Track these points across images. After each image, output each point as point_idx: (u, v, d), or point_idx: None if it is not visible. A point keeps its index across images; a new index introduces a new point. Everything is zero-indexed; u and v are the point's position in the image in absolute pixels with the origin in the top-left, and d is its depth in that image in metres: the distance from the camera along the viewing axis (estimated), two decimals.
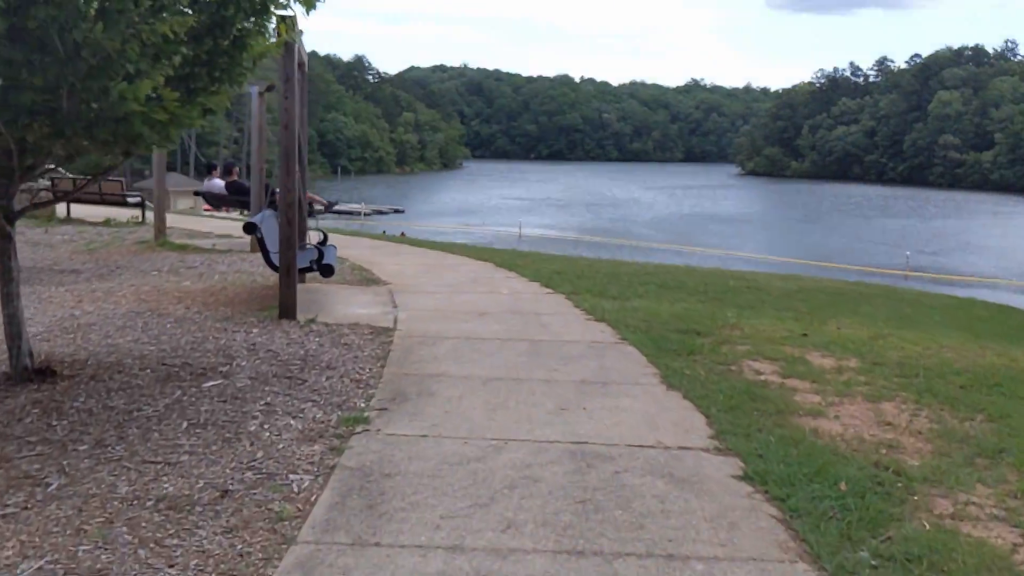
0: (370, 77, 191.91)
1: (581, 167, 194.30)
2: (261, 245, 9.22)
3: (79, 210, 21.24)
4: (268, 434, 5.09)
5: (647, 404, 6.07)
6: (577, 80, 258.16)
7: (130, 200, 20.75)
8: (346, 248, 15.32)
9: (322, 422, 5.36)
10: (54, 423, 5.14)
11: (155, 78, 4.83)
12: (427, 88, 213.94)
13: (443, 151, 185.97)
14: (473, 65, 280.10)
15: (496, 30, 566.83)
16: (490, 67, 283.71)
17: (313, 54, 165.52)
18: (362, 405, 5.78)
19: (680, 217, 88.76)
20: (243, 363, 6.77)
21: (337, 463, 4.68)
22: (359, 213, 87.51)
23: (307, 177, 11.34)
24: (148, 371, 6.37)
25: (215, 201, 16.68)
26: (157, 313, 8.86)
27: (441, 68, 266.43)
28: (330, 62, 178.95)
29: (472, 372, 6.83)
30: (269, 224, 9.31)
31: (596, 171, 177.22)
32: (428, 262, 14.01)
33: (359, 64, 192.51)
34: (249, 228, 9.34)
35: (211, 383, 6.07)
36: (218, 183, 15.57)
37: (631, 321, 9.05)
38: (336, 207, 37.07)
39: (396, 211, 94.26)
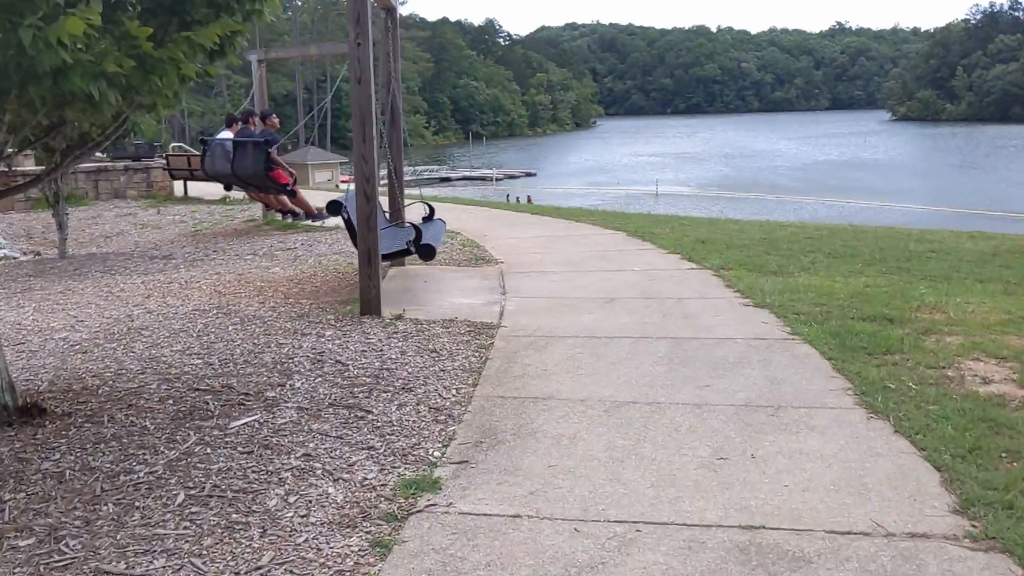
0: (501, 40, 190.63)
1: (720, 120, 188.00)
2: (348, 226, 7.72)
3: (196, 188, 20.38)
4: (292, 513, 3.53)
5: (844, 446, 4.24)
6: (714, 30, 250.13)
7: (199, 175, 19.67)
8: (461, 220, 13.80)
9: (373, 488, 3.77)
10: (5, 498, 3.72)
11: (91, 15, 3.27)
12: (558, 47, 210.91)
13: (575, 111, 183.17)
14: (605, 21, 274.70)
15: None
16: (622, 22, 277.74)
17: (444, 20, 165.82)
18: (436, 454, 4.16)
19: (828, 167, 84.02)
20: (299, 383, 5.27)
21: None
22: (491, 178, 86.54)
23: (400, 143, 9.81)
24: (170, 402, 4.91)
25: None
26: (225, 311, 7.50)
27: (572, 26, 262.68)
28: (461, 27, 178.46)
29: (592, 392, 5.13)
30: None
31: (736, 123, 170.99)
32: (550, 233, 12.31)
33: (489, 28, 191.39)
34: (334, 208, 7.82)
35: (243, 420, 4.56)
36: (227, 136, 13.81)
37: (801, 306, 7.15)
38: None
39: (527, 175, 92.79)
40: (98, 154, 20.76)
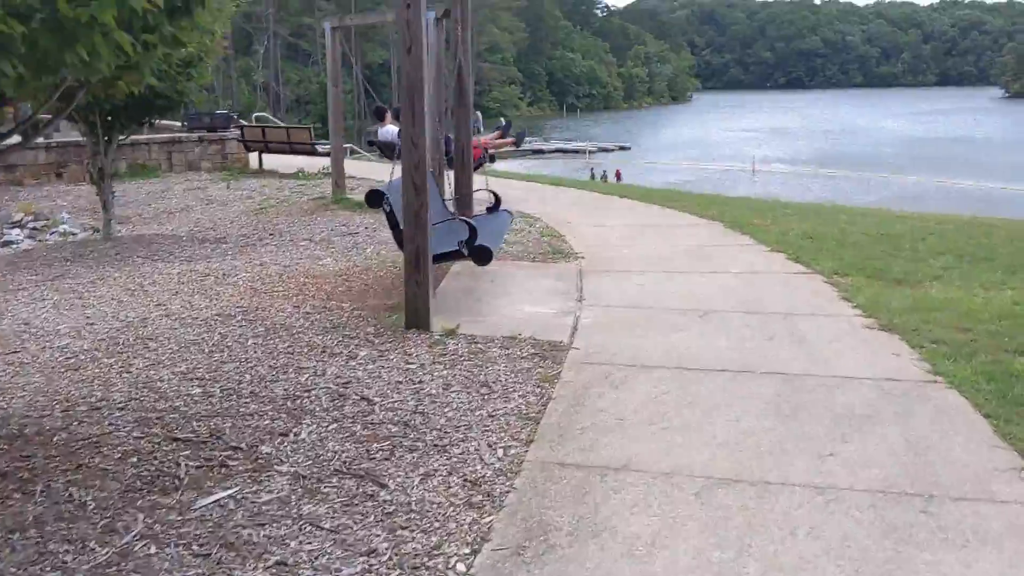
0: (598, 11, 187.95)
1: (822, 95, 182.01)
2: (391, 222, 6.60)
3: (272, 161, 19.56)
4: None
5: None
6: (818, 2, 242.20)
7: (320, 149, 18.76)
8: (543, 203, 12.62)
9: None
10: None
11: None
12: (656, 19, 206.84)
13: (672, 84, 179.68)
14: None
15: None
16: None
17: None
18: (460, 569, 3.01)
19: (936, 145, 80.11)
20: (305, 433, 4.17)
21: None
22: (584, 151, 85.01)
23: (470, 120, 8.67)
24: (133, 461, 3.84)
25: (391, 153, 14.26)
26: (252, 316, 6.47)
27: None
28: None
29: (681, 461, 3.91)
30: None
31: (839, 98, 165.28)
32: (638, 221, 11.02)
33: None
34: (373, 199, 6.65)
35: (214, 497, 3.46)
36: (392, 130, 13.13)
37: (939, 331, 5.79)
38: (524, 141, 33.41)
39: (621, 148, 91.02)
40: (172, 123, 20.12)
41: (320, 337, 5.85)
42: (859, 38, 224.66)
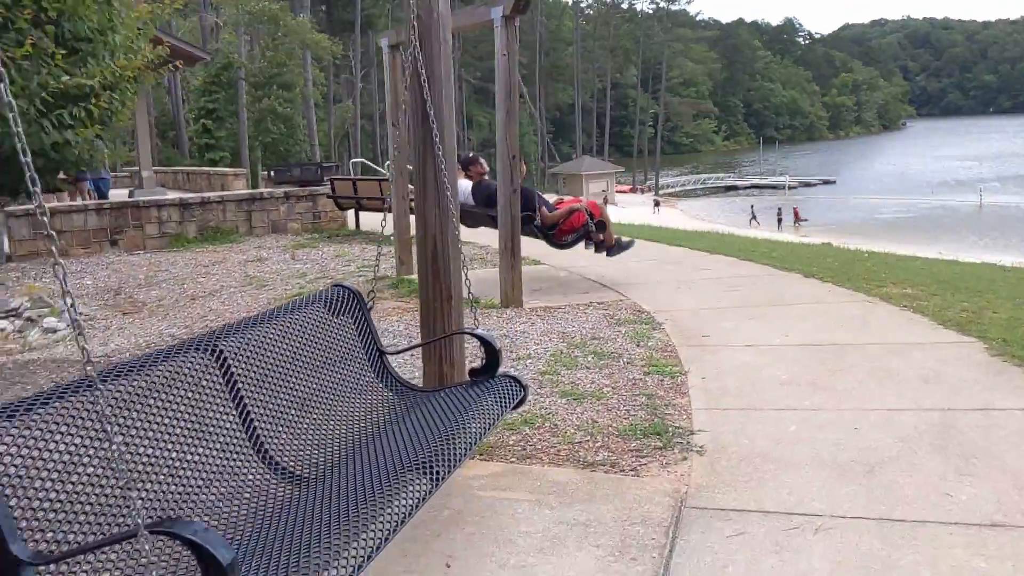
0: (800, 39, 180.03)
1: None
2: None
3: (373, 220, 15.81)
4: None
5: None
6: None
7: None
8: (676, 291, 8.30)
9: None
10: None
11: None
12: (864, 45, 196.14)
13: (882, 111, 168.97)
14: (916, 15, 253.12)
15: None
16: (937, 15, 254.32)
17: (739, 21, 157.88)
18: None
19: None
20: None
21: None
22: (783, 186, 78.82)
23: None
24: None
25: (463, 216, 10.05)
26: None
27: (879, 22, 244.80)
28: (757, 28, 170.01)
29: None
30: None
31: None
32: (828, 335, 6.41)
33: (789, 27, 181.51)
34: None
35: None
36: (464, 186, 9.17)
37: None
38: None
39: (825, 182, 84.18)
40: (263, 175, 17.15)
41: None
42: None
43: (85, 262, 13.12)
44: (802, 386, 5.15)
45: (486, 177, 8.99)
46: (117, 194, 19.36)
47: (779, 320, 6.89)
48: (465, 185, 9.07)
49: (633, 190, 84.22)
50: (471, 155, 9.27)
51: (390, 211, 13.62)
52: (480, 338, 3.64)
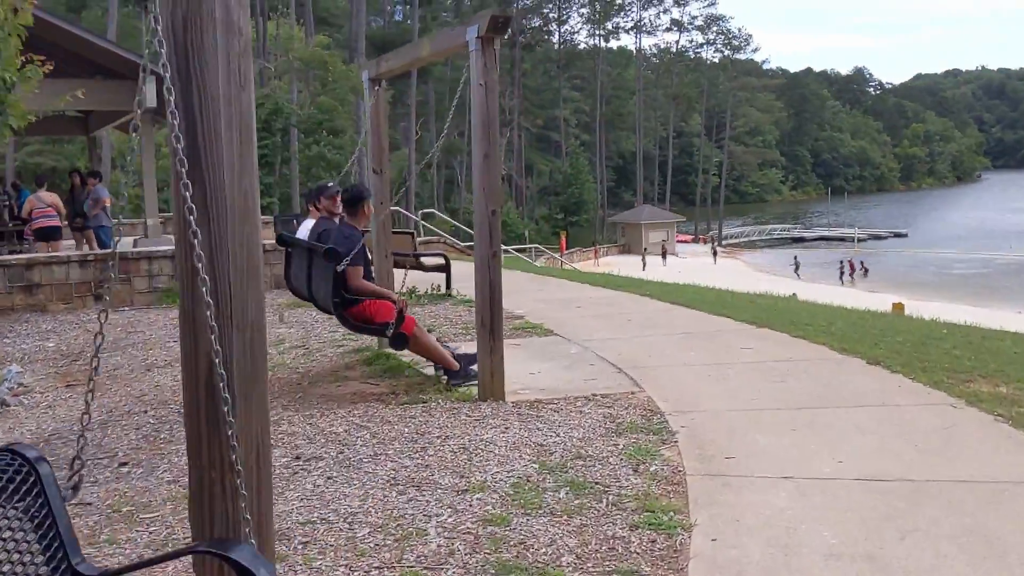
0: (871, 89, 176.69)
1: None
2: None
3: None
4: None
5: None
6: None
7: (426, 262, 12.95)
8: (704, 383, 6.58)
9: None
10: None
11: None
12: (937, 95, 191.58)
13: (956, 163, 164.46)
14: (992, 66, 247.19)
15: (1017, 25, 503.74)
16: (1013, 66, 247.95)
17: (807, 71, 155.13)
18: None
19: None
20: None
21: None
22: (851, 238, 76.14)
23: None
24: None
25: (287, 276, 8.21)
26: None
27: (954, 73, 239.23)
28: (826, 78, 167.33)
29: None
30: None
31: None
32: (860, 461, 4.74)
33: (859, 77, 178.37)
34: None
35: None
36: (305, 228, 7.48)
37: None
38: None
39: (896, 235, 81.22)
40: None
41: None
42: None
43: (60, 320, 11.80)
44: (857, 561, 3.42)
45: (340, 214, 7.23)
46: (124, 244, 18.22)
47: (831, 432, 5.14)
48: (307, 226, 7.48)
49: (695, 239, 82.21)
50: (328, 184, 7.77)
51: (421, 267, 12.03)
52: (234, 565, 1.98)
